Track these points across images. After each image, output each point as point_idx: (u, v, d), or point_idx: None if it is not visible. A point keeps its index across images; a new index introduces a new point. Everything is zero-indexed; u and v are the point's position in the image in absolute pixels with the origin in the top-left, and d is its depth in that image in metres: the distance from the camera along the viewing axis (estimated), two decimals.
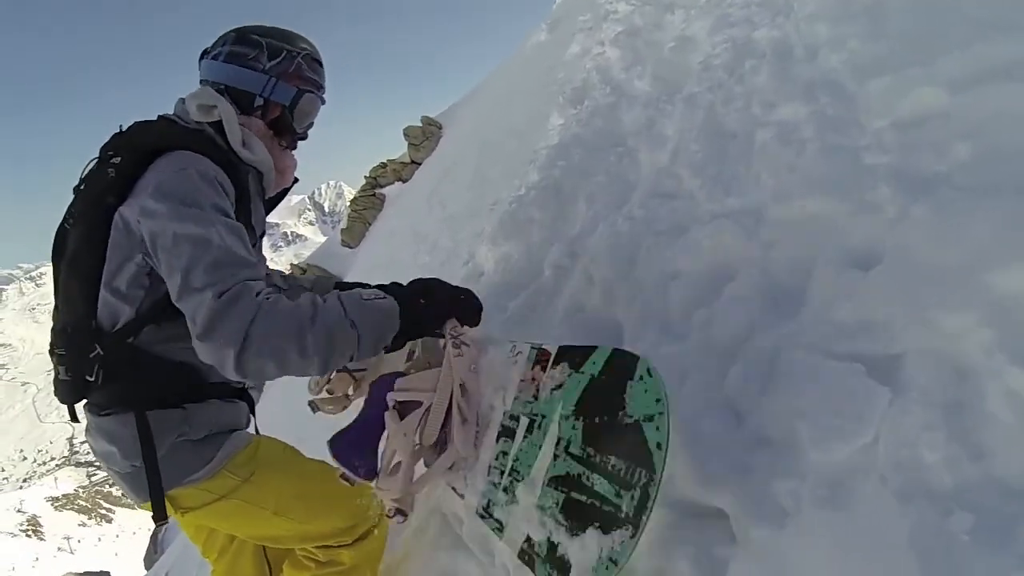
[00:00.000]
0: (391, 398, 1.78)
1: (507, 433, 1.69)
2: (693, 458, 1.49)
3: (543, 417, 1.58)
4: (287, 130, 1.94)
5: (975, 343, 1.20)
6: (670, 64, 3.69)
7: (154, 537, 17.80)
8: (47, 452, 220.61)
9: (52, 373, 1.78)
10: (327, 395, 2.38)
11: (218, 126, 1.74)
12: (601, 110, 3.86)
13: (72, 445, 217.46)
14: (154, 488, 1.66)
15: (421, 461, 1.82)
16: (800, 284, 1.68)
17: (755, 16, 3.27)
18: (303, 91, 1.91)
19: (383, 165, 17.95)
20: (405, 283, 1.74)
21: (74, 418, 1.81)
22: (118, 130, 1.73)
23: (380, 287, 1.71)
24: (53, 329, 1.75)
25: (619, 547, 1.23)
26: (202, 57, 1.88)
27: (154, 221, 1.50)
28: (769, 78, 2.47)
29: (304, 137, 2.05)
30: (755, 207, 2.05)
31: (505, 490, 1.62)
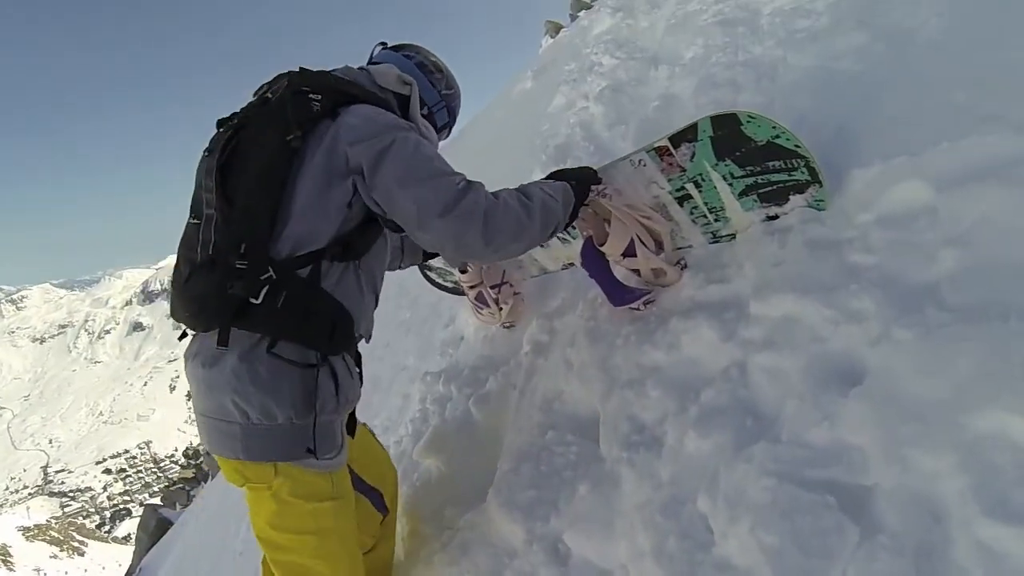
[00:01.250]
0: (615, 256, 2.28)
1: (685, 198, 2.18)
2: None
3: (699, 175, 2.04)
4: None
5: (950, 487, 1.18)
6: (654, 124, 3.65)
7: (129, 574, 17.38)
8: (20, 480, 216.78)
9: (171, 302, 1.90)
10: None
11: (401, 99, 2.08)
12: None
13: (46, 474, 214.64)
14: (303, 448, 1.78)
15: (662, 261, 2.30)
16: (778, 397, 1.64)
17: (739, 78, 3.27)
18: (449, 123, 2.38)
19: None
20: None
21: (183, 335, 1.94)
22: (299, 70, 1.94)
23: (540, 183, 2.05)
24: (194, 248, 1.83)
25: (817, 194, 1.86)
26: (385, 47, 2.29)
27: (376, 145, 1.75)
28: None
29: None
30: (736, 300, 2.01)
31: (716, 219, 2.18)
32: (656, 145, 2.07)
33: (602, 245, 2.28)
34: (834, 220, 1.86)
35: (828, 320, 1.63)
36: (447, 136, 2.43)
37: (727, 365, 1.86)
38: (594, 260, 2.32)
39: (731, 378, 1.80)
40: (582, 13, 16.19)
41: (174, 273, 1.92)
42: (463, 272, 3.15)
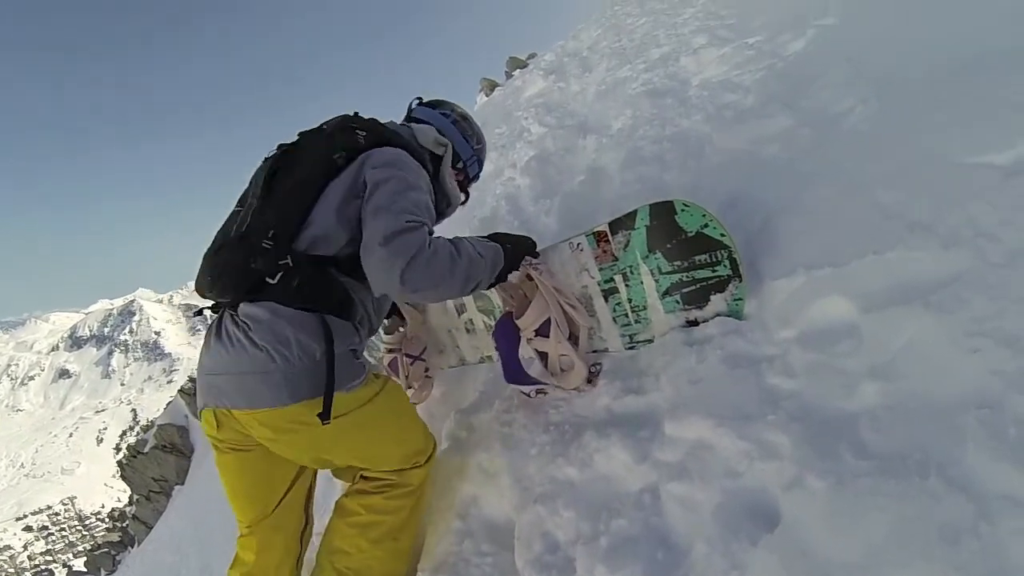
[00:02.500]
0: (528, 332, 2.32)
1: (611, 292, 2.28)
2: None
3: (629, 267, 2.16)
4: (463, 188, 2.62)
5: None
6: (580, 199, 3.62)
7: None
8: None
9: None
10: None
11: (435, 158, 2.38)
12: None
13: None
14: (328, 387, 1.90)
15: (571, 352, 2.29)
16: (689, 532, 1.54)
17: (667, 154, 3.25)
18: (479, 173, 2.75)
19: None
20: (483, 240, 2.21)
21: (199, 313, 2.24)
22: (353, 113, 2.28)
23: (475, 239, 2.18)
24: (231, 227, 2.09)
25: (736, 291, 1.88)
26: (422, 104, 2.64)
27: (383, 174, 1.99)
28: None
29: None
30: (652, 416, 1.91)
31: (637, 320, 2.23)
32: (595, 230, 2.24)
33: (520, 316, 2.34)
34: (754, 334, 1.78)
35: (743, 453, 1.52)
36: (477, 180, 2.81)
37: (640, 489, 1.76)
38: (506, 331, 2.40)
39: (644, 505, 1.70)
40: (517, 72, 16.46)
41: (209, 249, 2.12)
42: (388, 333, 3.24)
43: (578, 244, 2.31)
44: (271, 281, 1.93)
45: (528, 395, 2.41)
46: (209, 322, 2.18)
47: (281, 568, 2.28)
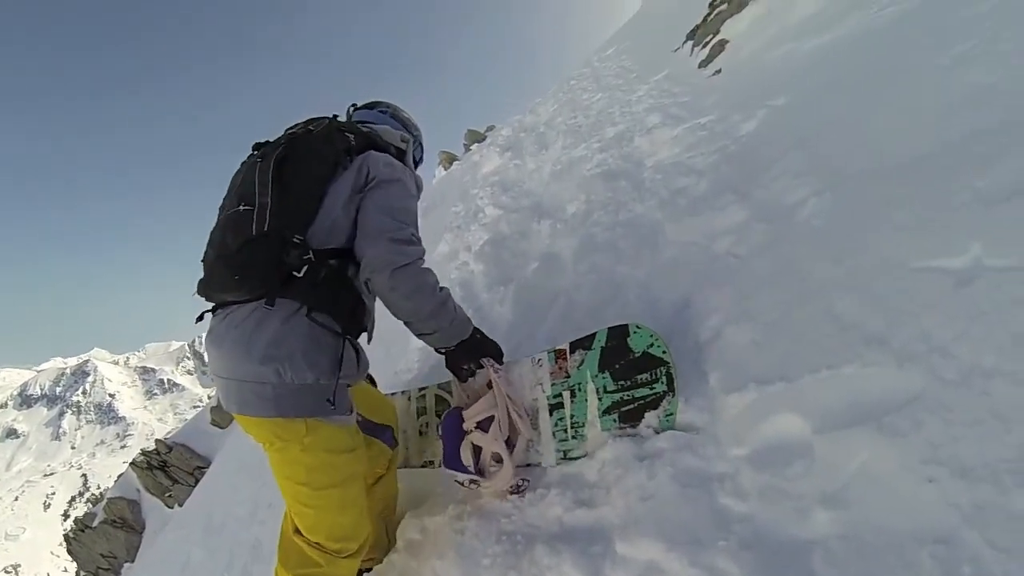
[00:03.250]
0: (470, 422, 2.47)
1: (556, 407, 2.42)
2: None
3: (578, 384, 2.35)
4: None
5: None
6: (533, 290, 3.61)
7: None
8: None
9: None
10: None
11: (398, 150, 2.59)
12: None
13: None
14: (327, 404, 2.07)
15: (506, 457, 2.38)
16: None
17: (620, 241, 3.26)
18: (423, 157, 3.03)
19: None
20: None
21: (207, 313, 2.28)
22: (333, 116, 2.50)
23: None
24: (248, 226, 2.08)
25: (669, 406, 2.00)
26: (356, 107, 2.84)
27: (389, 174, 2.26)
28: None
29: None
30: (603, 532, 1.86)
31: (574, 436, 2.32)
32: (557, 348, 2.48)
33: (467, 408, 2.51)
34: (706, 449, 1.74)
35: None
36: (422, 162, 3.05)
37: None
38: (452, 423, 2.53)
39: None
40: (475, 146, 16.68)
41: (215, 249, 2.15)
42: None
43: (539, 360, 2.54)
44: (298, 275, 2.05)
45: (461, 483, 2.47)
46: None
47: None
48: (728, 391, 1.81)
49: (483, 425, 2.45)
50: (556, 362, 2.47)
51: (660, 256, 2.81)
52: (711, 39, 6.56)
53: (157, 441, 19.14)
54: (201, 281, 2.20)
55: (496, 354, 2.51)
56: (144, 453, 19.02)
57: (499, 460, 2.42)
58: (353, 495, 2.28)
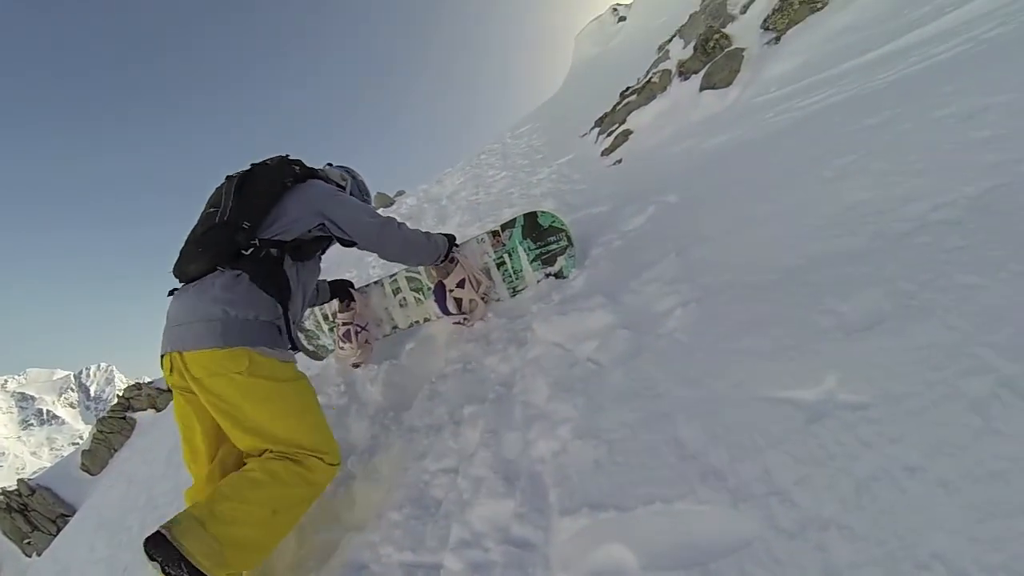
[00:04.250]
0: (451, 285, 3.64)
1: (501, 264, 3.80)
2: None
3: (512, 248, 3.72)
4: None
5: None
6: (403, 372, 3.74)
7: None
8: None
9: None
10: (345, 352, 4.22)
11: (338, 185, 3.37)
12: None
13: None
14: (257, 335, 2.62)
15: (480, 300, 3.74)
16: None
17: (493, 333, 3.38)
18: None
19: (137, 387, 16.09)
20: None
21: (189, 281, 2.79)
22: (287, 155, 3.21)
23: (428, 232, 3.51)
24: (212, 219, 2.79)
25: (570, 252, 3.60)
26: (331, 165, 3.62)
27: (340, 205, 3.06)
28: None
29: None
30: None
31: (516, 279, 3.78)
32: (491, 230, 3.84)
33: (445, 279, 3.66)
34: (535, 570, 1.66)
35: None
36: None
37: None
38: (439, 290, 3.68)
39: None
40: (381, 211, 16.78)
41: (190, 235, 2.82)
42: (342, 312, 4.33)
43: (481, 239, 3.88)
44: (245, 253, 2.72)
45: (457, 322, 3.74)
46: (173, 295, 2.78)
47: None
48: (563, 512, 1.72)
49: (460, 285, 3.70)
50: (494, 238, 3.85)
51: (526, 353, 2.79)
52: (616, 128, 6.77)
53: (19, 481, 17.50)
54: (176, 262, 2.81)
55: (454, 243, 3.71)
56: (4, 493, 17.08)
57: (474, 304, 3.73)
58: (317, 415, 2.73)
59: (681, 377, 1.95)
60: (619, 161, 5.84)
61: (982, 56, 3.16)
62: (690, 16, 6.70)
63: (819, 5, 5.10)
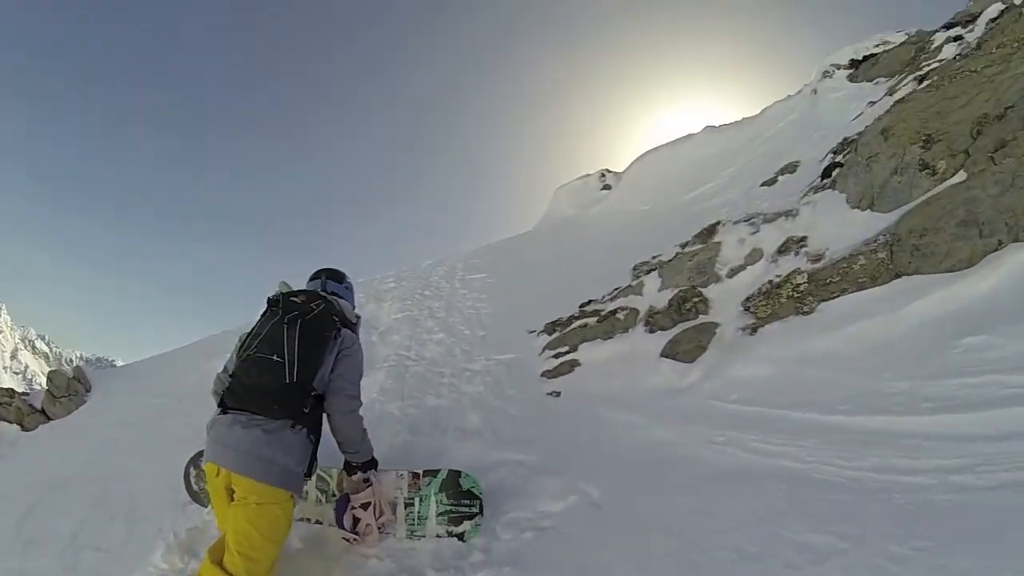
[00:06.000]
0: (356, 503, 4.00)
1: (409, 504, 4.18)
2: None
3: (425, 495, 4.15)
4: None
5: None
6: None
7: None
8: None
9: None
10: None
11: (353, 323, 4.18)
12: None
13: None
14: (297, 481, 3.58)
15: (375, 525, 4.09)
16: None
17: None
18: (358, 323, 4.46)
19: (10, 395, 13.95)
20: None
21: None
22: (325, 295, 4.12)
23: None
24: (281, 374, 3.54)
25: (477, 521, 3.96)
26: (331, 278, 4.51)
27: (353, 351, 3.94)
28: None
29: None
30: None
31: (417, 524, 4.10)
32: (414, 471, 4.27)
33: (354, 494, 4.01)
34: None
35: None
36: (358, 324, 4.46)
37: None
38: (343, 501, 3.99)
39: None
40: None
41: (252, 380, 3.57)
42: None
43: (401, 474, 4.30)
44: (306, 411, 3.55)
45: (345, 538, 4.00)
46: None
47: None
48: None
49: (364, 506, 4.00)
50: (412, 479, 4.28)
51: None
52: (565, 352, 6.69)
53: None
54: (232, 396, 3.53)
55: (375, 466, 4.15)
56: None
57: (369, 529, 4.03)
58: (277, 553, 3.51)
59: None
60: (558, 394, 5.80)
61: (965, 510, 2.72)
62: (676, 254, 6.64)
63: (806, 309, 5.00)
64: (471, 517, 3.94)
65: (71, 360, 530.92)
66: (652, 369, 5.52)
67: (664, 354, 5.59)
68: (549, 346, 6.90)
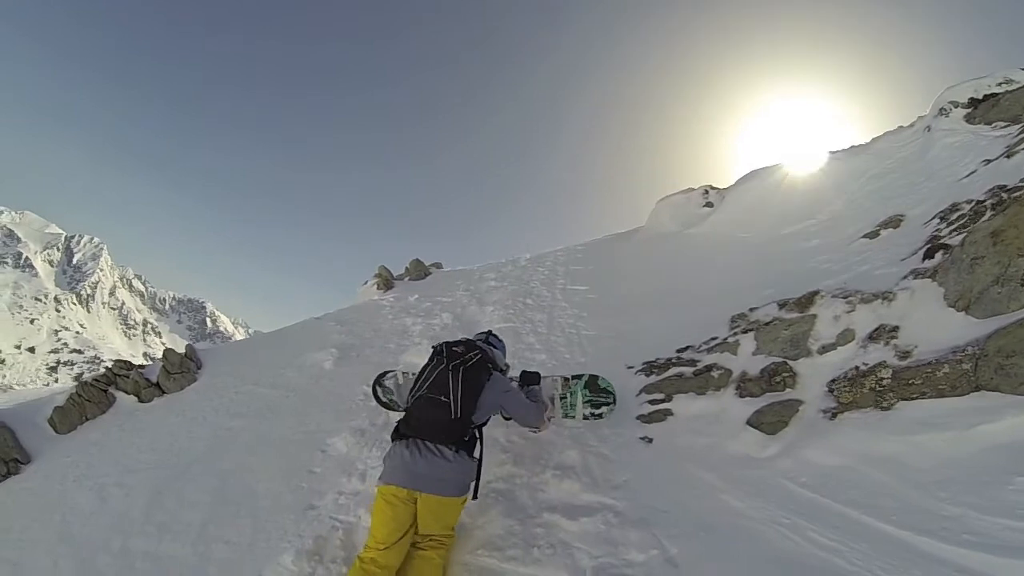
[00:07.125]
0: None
1: (563, 399, 7.21)
2: None
3: (573, 391, 7.19)
4: None
5: None
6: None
7: None
8: None
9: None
10: None
11: (503, 369, 6.13)
12: None
13: None
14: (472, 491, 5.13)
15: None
16: None
17: None
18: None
19: (128, 367, 14.54)
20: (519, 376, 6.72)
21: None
22: (482, 346, 5.64)
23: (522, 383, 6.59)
24: (448, 411, 4.96)
25: (613, 406, 7.08)
26: (491, 334, 6.44)
27: (512, 402, 5.66)
28: None
29: None
30: None
31: (572, 409, 7.15)
32: (567, 376, 7.32)
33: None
34: None
35: None
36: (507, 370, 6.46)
37: None
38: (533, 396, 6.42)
39: None
40: (407, 280, 17.02)
41: (426, 414, 4.93)
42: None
43: (555, 380, 7.25)
44: (466, 439, 4.93)
45: (533, 429, 6.38)
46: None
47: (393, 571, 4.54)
48: None
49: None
50: (564, 382, 7.20)
51: None
52: (661, 400, 7.11)
53: None
54: (410, 425, 4.92)
55: (540, 377, 6.62)
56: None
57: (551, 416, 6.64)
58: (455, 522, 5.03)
59: None
60: (650, 440, 6.29)
61: None
62: (774, 319, 6.97)
63: (885, 404, 5.08)
64: (607, 404, 6.95)
65: (164, 300, 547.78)
66: (736, 435, 5.80)
67: (750, 422, 5.86)
68: (646, 390, 7.38)
